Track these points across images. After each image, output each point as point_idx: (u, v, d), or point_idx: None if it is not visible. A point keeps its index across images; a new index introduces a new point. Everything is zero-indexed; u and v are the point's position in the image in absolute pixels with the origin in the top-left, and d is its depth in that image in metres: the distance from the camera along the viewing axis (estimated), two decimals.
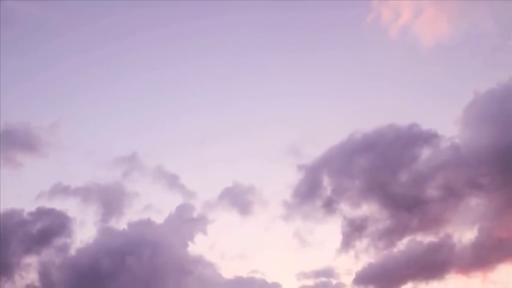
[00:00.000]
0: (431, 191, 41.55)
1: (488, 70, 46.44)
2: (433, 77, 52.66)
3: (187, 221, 47.68)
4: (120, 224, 45.71)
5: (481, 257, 41.48)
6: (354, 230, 43.53)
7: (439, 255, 41.94)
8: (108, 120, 58.63)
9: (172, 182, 48.65)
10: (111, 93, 57.49)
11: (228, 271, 52.08)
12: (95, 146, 56.05)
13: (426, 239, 42.48)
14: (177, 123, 57.62)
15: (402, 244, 42.88)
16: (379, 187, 43.03)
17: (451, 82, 52.17)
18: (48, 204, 44.65)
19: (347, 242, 43.79)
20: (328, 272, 45.70)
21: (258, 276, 47.44)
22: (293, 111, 55.41)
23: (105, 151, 52.73)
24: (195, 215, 47.69)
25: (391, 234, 42.81)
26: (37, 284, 41.98)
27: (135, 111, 58.09)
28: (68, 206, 45.93)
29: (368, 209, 43.59)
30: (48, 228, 43.02)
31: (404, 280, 43.41)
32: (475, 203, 41.01)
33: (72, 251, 43.62)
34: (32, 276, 42.27)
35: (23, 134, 46.48)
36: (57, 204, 45.21)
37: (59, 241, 43.40)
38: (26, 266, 42.23)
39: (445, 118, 48.13)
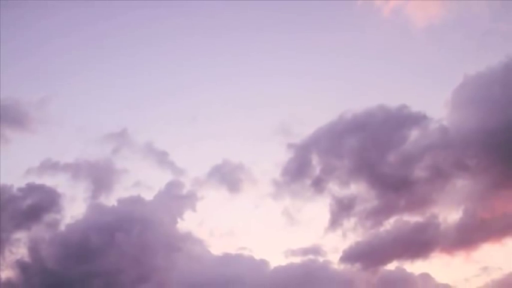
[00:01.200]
0: (419, 172, 42.12)
1: (479, 53, 46.79)
2: (424, 59, 52.94)
3: (176, 198, 47.86)
4: (110, 200, 45.79)
5: (465, 237, 42.38)
6: (342, 209, 44.10)
7: (424, 234, 42.76)
8: (98, 96, 58.21)
9: (162, 158, 48.69)
10: (101, 69, 57.05)
11: (216, 248, 52.64)
12: (85, 122, 55.80)
13: (412, 218, 43.21)
14: (168, 100, 57.43)
15: (389, 223, 43.60)
16: (367, 167, 43.50)
17: (442, 64, 52.49)
18: (37, 180, 44.52)
19: (335, 221, 44.40)
20: (315, 250, 46.41)
21: (246, 253, 48.03)
22: (284, 90, 55.48)
23: (95, 127, 52.48)
24: (184, 192, 47.87)
25: (378, 214, 43.47)
26: (27, 259, 42.12)
27: (126, 87, 57.78)
28: (58, 182, 45.85)
29: (356, 188, 44.13)
30: (38, 204, 42.95)
31: (390, 258, 44.30)
32: (461, 184, 41.72)
33: (62, 227, 43.69)
34: (22, 251, 42.37)
35: (11, 110, 46.06)
36: (47, 180, 45.11)
37: (48, 217, 43.40)
38: (16, 242, 42.28)
39: (435, 100, 48.52)
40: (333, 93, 54.26)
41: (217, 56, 55.59)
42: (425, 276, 46.22)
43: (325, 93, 54.72)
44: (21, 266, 42.31)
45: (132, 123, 58.95)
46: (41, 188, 43.75)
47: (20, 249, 42.40)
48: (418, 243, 43.04)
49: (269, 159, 49.10)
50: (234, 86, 56.08)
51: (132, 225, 44.43)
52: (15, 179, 46.38)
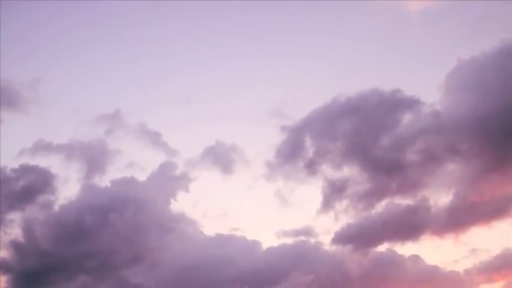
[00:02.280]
0: (411, 156, 42.46)
1: (473, 38, 46.83)
2: (419, 43, 52.93)
3: (169, 179, 47.93)
4: (103, 181, 45.82)
5: (455, 220, 43.01)
6: (334, 191, 44.48)
7: (415, 217, 43.30)
8: (91, 77, 57.74)
9: (155, 139, 48.66)
10: (94, 50, 56.43)
11: (209, 228, 53.02)
12: (78, 103, 55.49)
13: (404, 201, 43.71)
14: (161, 81, 57.11)
15: (380, 206, 44.09)
16: (360, 150, 43.78)
17: (436, 48, 52.49)
18: (30, 161, 44.39)
19: (327, 203, 44.81)
20: (307, 231, 46.91)
21: (238, 234, 48.42)
22: (278, 72, 55.33)
23: (88, 108, 52.27)
24: (177, 173, 47.96)
25: (370, 196, 43.91)
26: (21, 239, 42.21)
27: (119, 69, 57.33)
28: (51, 163, 45.73)
29: (349, 171, 44.46)
30: (32, 185, 42.89)
31: (381, 240, 44.92)
32: (452, 168, 42.17)
33: (56, 208, 43.71)
34: (16, 232, 42.44)
35: (3, 90, 45.61)
36: (40, 161, 44.98)
37: (42, 198, 43.39)
38: (10, 222, 42.31)
39: (428, 84, 48.73)
40: (326, 76, 54.22)
41: (211, 39, 55.25)
42: (415, 258, 47.01)
43: (319, 76, 54.69)
44: (16, 246, 42.42)
45: (125, 105, 58.71)
46: (34, 169, 43.65)
47: (14, 229, 42.47)
48: (408, 225, 43.62)
49: (262, 141, 49.32)
50: (228, 68, 55.93)
51: (125, 206, 44.54)
52: (8, 160, 46.22)
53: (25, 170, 43.11)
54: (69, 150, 45.75)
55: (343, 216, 44.68)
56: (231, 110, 54.46)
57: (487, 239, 48.60)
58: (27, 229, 42.11)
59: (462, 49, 51.02)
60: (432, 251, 47.74)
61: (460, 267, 47.52)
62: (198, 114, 54.27)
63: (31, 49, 54.41)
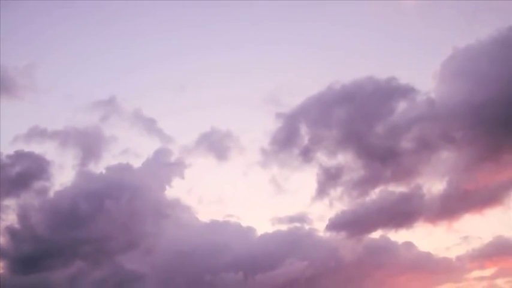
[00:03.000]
0: (405, 143, 42.65)
1: (469, 26, 46.84)
2: (414, 31, 52.96)
3: (164, 165, 47.97)
4: (99, 167, 45.83)
5: (448, 208, 43.38)
6: (329, 178, 44.69)
7: (408, 204, 43.61)
8: (86, 64, 57.45)
9: (150, 126, 48.64)
10: (89, 37, 56.21)
11: (204, 215, 53.31)
12: (73, 89, 55.33)
13: (397, 189, 44.00)
14: (157, 68, 56.95)
15: (374, 193, 44.35)
16: (355, 138, 43.92)
17: (432, 36, 52.56)
18: (25, 147, 44.31)
19: (322, 190, 45.04)
20: (302, 218, 47.20)
21: (233, 220, 48.66)
22: (274, 59, 55.33)
23: (83, 95, 52.23)
24: (172, 159, 48.00)
25: (364, 184, 44.15)
26: (16, 225, 42.24)
27: (114, 55, 57.12)
28: (46, 150, 45.78)
29: (343, 158, 44.64)
30: (27, 172, 42.84)
31: (375, 227, 45.27)
32: (446, 156, 42.43)
33: (51, 194, 43.73)
34: (12, 218, 42.45)
35: None
36: (35, 147, 44.95)
37: (37, 184, 43.37)
38: (5, 208, 42.30)
39: (423, 72, 48.85)
40: (322, 64, 54.24)
41: (206, 25, 55.05)
42: (408, 245, 47.50)
43: (315, 64, 54.69)
44: (11, 232, 42.46)
45: (120, 91, 58.59)
46: (29, 156, 43.57)
47: (9, 215, 42.49)
48: (402, 213, 43.94)
49: (257, 128, 49.46)
50: (224, 55, 55.80)
51: (120, 193, 44.59)
52: (3, 146, 46.24)
53: (20, 156, 43.02)
54: (64, 137, 45.70)
55: (338, 203, 44.96)
56: (226, 97, 54.52)
57: (480, 226, 49.18)
58: (23, 215, 42.15)
59: (458, 38, 51.02)
60: (425, 238, 48.27)
61: (453, 254, 48.13)
62: (193, 100, 54.31)
63: (26, 36, 54.05)
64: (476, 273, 46.53)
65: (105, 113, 47.34)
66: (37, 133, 44.99)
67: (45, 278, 43.27)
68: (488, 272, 46.58)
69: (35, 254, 41.83)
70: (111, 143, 46.87)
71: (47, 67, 51.34)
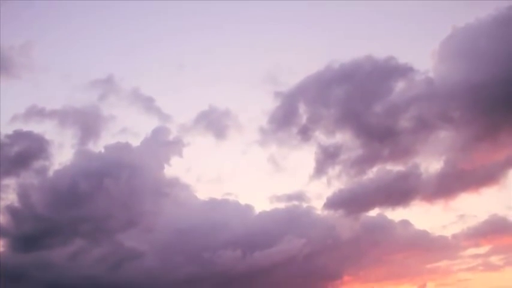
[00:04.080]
0: (403, 123, 42.79)
1: (468, 5, 46.41)
2: (413, 10, 52.42)
3: (163, 144, 48.06)
4: (97, 146, 45.96)
5: (444, 186, 43.77)
6: (327, 157, 44.94)
7: (406, 183, 43.97)
8: (84, 42, 56.97)
9: (148, 105, 48.62)
10: (87, 15, 55.45)
11: (203, 193, 53.60)
12: (71, 68, 54.96)
13: (395, 168, 44.31)
14: (155, 46, 56.53)
15: (372, 172, 44.65)
16: (353, 117, 44.01)
17: (431, 15, 52.13)
18: (23, 126, 44.33)
19: (320, 169, 45.33)
20: (300, 196, 47.56)
21: (231, 198, 48.97)
22: (272, 38, 54.93)
23: (81, 74, 51.94)
24: (170, 138, 48.06)
25: (362, 163, 44.41)
26: (16, 204, 42.49)
27: (112, 33, 56.54)
28: (45, 129, 45.67)
29: (342, 137, 44.83)
30: (26, 151, 42.93)
31: (372, 206, 45.69)
32: (444, 135, 42.63)
33: (50, 173, 43.90)
34: (12, 197, 42.67)
35: None
36: (33, 126, 44.90)
37: (37, 163, 43.50)
38: (5, 188, 42.49)
39: (422, 52, 48.65)
40: (320, 43, 53.95)
41: (204, 4, 54.43)
42: (405, 223, 48.01)
43: (313, 43, 54.39)
44: (12, 211, 42.73)
45: (118, 70, 58.34)
46: (28, 135, 43.62)
47: (9, 195, 42.70)
48: (399, 191, 44.32)
49: (256, 106, 49.39)
50: (222, 33, 55.37)
51: (119, 171, 44.79)
52: (1, 126, 46.11)
53: (19, 135, 43.07)
54: (63, 116, 45.69)
55: (336, 182, 45.30)
56: (224, 75, 54.30)
57: (475, 205, 49.67)
58: (23, 194, 42.37)
59: (457, 17, 50.69)
60: (421, 216, 48.80)
61: (448, 232, 48.74)
62: (191, 79, 54.09)
63: (22, 15, 53.42)
64: (472, 250, 47.24)
65: (103, 92, 47.28)
66: (35, 112, 44.98)
67: (45, 256, 43.71)
68: (483, 249, 47.30)
69: (35, 233, 42.19)
70: (110, 122, 46.92)
71: (44, 46, 50.95)
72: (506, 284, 46.61)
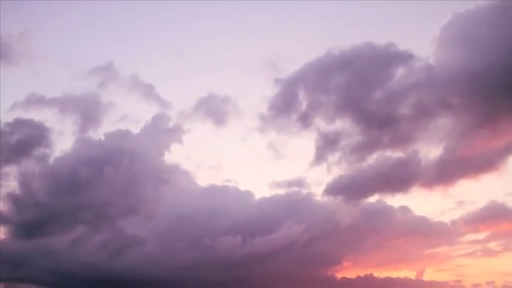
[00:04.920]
0: (403, 109, 42.82)
1: None
2: None
3: (163, 131, 48.13)
4: (98, 134, 46.08)
5: (444, 173, 43.92)
6: (327, 143, 45.08)
7: (405, 170, 44.12)
8: (83, 30, 56.78)
9: (148, 92, 48.65)
10: (85, 2, 55.28)
11: (203, 180, 53.82)
12: (70, 55, 54.88)
13: (395, 154, 44.46)
14: (154, 33, 56.41)
15: (372, 159, 44.81)
16: (353, 104, 44.03)
17: (431, 1, 51.89)
18: (24, 114, 44.44)
19: (320, 155, 45.48)
20: (299, 183, 47.78)
21: (231, 185, 49.17)
22: (272, 25, 54.83)
23: (80, 61, 52.00)
24: (170, 124, 48.15)
25: (362, 149, 44.53)
26: (18, 192, 42.67)
27: (111, 21, 56.42)
28: (45, 117, 45.86)
29: (341, 124, 44.92)
30: (27, 139, 43.02)
31: (371, 192, 45.86)
32: (443, 122, 42.70)
33: (51, 161, 44.05)
34: (13, 184, 42.86)
35: None
36: (33, 114, 45.12)
37: (37, 151, 43.63)
38: (6, 175, 42.64)
39: (422, 38, 48.54)
40: (320, 30, 53.80)
41: None
42: (404, 209, 48.27)
43: (313, 30, 54.23)
44: (13, 198, 42.91)
45: (118, 57, 58.14)
46: (29, 123, 43.71)
47: (10, 182, 42.88)
48: (399, 178, 44.48)
49: (256, 93, 49.57)
50: (222, 20, 55.24)
51: (120, 159, 44.88)
52: (1, 114, 46.26)
53: (20, 123, 43.16)
54: (63, 104, 45.74)
55: (335, 168, 45.50)
56: (224, 62, 54.25)
57: (474, 191, 49.92)
58: (24, 182, 42.53)
59: (457, 3, 50.38)
60: (421, 202, 49.10)
61: (447, 218, 49.09)
62: (191, 66, 54.07)
63: (21, 3, 53.14)
64: (470, 236, 47.58)
65: (103, 80, 47.27)
66: (35, 100, 45.03)
67: (47, 243, 43.99)
68: (481, 235, 47.63)
69: (37, 220, 42.42)
70: (110, 109, 46.99)
71: (43, 34, 50.88)
72: (504, 269, 47.05)
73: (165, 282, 47.15)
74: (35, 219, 42.25)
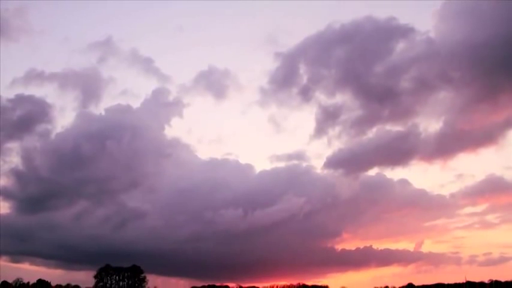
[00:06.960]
0: (403, 83, 43.08)
1: None
2: None
3: (163, 105, 48.57)
4: (98, 109, 46.34)
5: (443, 146, 44.45)
6: (328, 117, 45.49)
7: (405, 143, 44.69)
8: (81, 4, 56.24)
9: (147, 66, 48.73)
10: None
11: (203, 153, 54.40)
12: (69, 30, 54.56)
13: (394, 128, 44.89)
14: (153, 7, 56.17)
15: (372, 132, 45.25)
16: (353, 77, 44.27)
17: None
18: (24, 90, 44.53)
19: (320, 129, 45.92)
20: (300, 156, 48.40)
21: (232, 158, 49.68)
22: None
23: (79, 36, 51.69)
24: (170, 98, 48.48)
25: (362, 123, 44.96)
26: (21, 167, 43.10)
27: None
28: (45, 92, 45.88)
29: (342, 98, 45.30)
30: (28, 115, 43.25)
31: (371, 165, 46.54)
32: (444, 96, 42.97)
33: (53, 136, 44.39)
34: (15, 160, 43.25)
35: None
36: (34, 90, 45.20)
37: (39, 127, 43.94)
38: (9, 151, 43.02)
39: (423, 11, 48.19)
40: (321, 3, 53.51)
41: None
42: (404, 182, 49.00)
43: (314, 3, 53.86)
44: (16, 174, 43.38)
45: (117, 31, 57.76)
46: (30, 99, 43.84)
47: (13, 158, 43.27)
48: (398, 151, 45.08)
49: (256, 67, 49.85)
50: None
51: (121, 133, 45.41)
52: (1, 90, 46.20)
53: (21, 99, 43.35)
54: (63, 79, 45.93)
55: (336, 142, 46.07)
56: (223, 36, 54.19)
57: (473, 165, 50.47)
58: (26, 157, 43.01)
59: None
60: (420, 175, 49.76)
61: (446, 191, 49.83)
62: (190, 39, 54.03)
63: None
64: (469, 209, 48.44)
65: (102, 54, 47.54)
66: (34, 76, 45.19)
67: (50, 217, 44.80)
68: (479, 208, 48.45)
69: (40, 195, 43.09)
70: (110, 84, 47.39)
71: (41, 8, 50.54)
72: (501, 241, 48.00)
73: (168, 255, 48.23)
74: (38, 194, 42.94)
